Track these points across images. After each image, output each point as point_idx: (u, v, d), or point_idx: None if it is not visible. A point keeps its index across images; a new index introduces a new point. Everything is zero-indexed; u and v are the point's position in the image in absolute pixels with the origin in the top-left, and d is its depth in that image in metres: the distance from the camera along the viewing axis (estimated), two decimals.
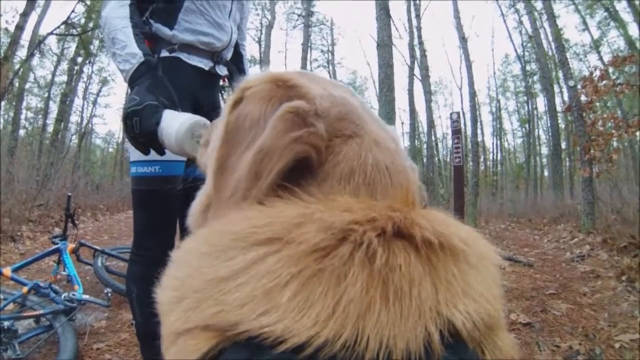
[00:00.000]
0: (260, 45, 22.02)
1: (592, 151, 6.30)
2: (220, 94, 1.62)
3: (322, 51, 24.45)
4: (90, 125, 22.07)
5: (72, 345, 1.98)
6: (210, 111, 1.44)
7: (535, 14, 13.01)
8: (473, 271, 0.33)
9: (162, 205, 1.38)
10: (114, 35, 1.20)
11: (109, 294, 2.58)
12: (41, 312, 2.15)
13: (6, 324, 1.92)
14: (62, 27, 9.27)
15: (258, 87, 0.40)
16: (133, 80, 1.14)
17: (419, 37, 14.37)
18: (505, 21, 20.21)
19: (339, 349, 0.27)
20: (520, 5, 15.95)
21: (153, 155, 1.11)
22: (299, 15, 19.00)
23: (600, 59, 14.95)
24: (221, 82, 1.62)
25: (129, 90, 1.19)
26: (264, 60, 20.04)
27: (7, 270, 2.52)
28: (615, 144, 6.85)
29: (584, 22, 16.18)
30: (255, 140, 0.36)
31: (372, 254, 0.30)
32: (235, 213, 0.34)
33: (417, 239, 0.31)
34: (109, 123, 35.41)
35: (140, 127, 0.94)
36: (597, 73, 6.72)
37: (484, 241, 0.37)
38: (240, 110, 0.40)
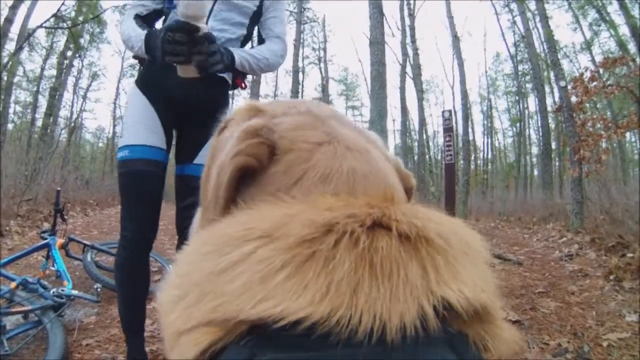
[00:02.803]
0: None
1: (581, 151, 6.38)
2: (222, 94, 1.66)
3: (313, 48, 24.40)
4: (80, 119, 21.79)
5: (61, 341, 1.95)
6: (201, 110, 1.51)
7: (529, 14, 13.12)
8: (458, 264, 0.33)
9: (133, 187, 1.47)
10: (127, 37, 1.43)
11: (99, 290, 2.55)
12: (30, 307, 2.12)
13: None
14: (52, 20, 9.11)
15: (237, 116, 0.47)
16: (148, 49, 1.38)
17: (412, 35, 14.42)
18: (499, 20, 20.34)
19: (335, 324, 0.28)
20: (514, 6, 16.07)
21: (126, 139, 1.43)
22: (290, 12, 18.90)
23: (592, 59, 15.14)
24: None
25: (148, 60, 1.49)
26: None
27: None
28: (604, 144, 6.94)
29: (577, 21, 16.37)
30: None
31: (356, 240, 0.31)
32: (229, 218, 0.37)
33: (393, 232, 0.32)
34: (99, 118, 35.24)
35: (175, 27, 1.20)
36: (588, 74, 6.80)
37: (472, 237, 0.38)
38: (222, 135, 0.47)
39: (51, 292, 2.30)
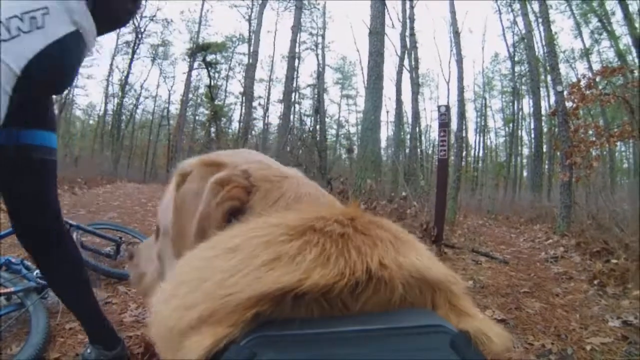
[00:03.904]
0: (250, 23, 21.55)
1: (573, 156, 6.46)
2: None
3: (311, 34, 24.04)
4: (70, 96, 21.34)
5: (43, 325, 1.92)
6: None
7: (530, 15, 13.11)
8: (407, 247, 0.38)
9: None
10: None
11: None
12: (12, 289, 2.07)
13: None
14: None
15: (195, 172, 0.53)
16: None
17: (412, 28, 14.32)
18: (500, 18, 20.25)
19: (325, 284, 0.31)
20: (517, 6, 16.04)
21: None
22: None
23: (590, 67, 15.26)
24: None
25: None
26: (254, 39, 19.63)
27: None
28: (594, 152, 7.04)
29: (578, 28, 16.43)
30: (197, 210, 0.48)
31: (330, 230, 0.36)
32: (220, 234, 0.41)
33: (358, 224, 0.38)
34: (90, 95, 34.35)
35: None
36: (585, 81, 6.84)
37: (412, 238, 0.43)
38: (184, 189, 0.52)
39: (34, 273, 2.25)
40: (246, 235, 0.36)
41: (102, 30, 1.26)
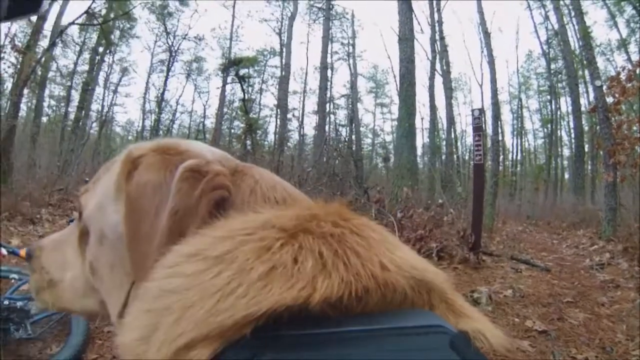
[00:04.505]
0: (280, 37, 21.98)
1: (617, 155, 6.09)
2: None
3: (342, 44, 24.17)
4: (110, 113, 22.51)
5: (83, 327, 2.03)
6: None
7: (563, 9, 12.59)
8: (394, 247, 0.36)
9: None
10: None
11: None
12: None
13: (19, 304, 1.97)
14: (84, 17, 9.42)
15: (151, 159, 0.45)
16: None
17: (441, 32, 14.12)
18: (532, 15, 19.56)
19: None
20: (547, 1, 15.46)
21: None
22: (319, 9, 18.84)
23: (628, 58, 14.40)
24: None
25: None
26: (285, 52, 20.01)
27: (23, 251, 2.56)
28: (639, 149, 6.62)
29: (612, 18, 15.58)
30: (163, 205, 0.41)
31: (324, 232, 0.34)
32: (192, 238, 0.36)
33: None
34: (129, 111, 36.11)
35: None
36: (625, 73, 6.46)
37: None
38: (138, 181, 0.44)
39: None
40: (236, 239, 0.33)
41: None
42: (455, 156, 16.46)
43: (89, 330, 2.08)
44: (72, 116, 16.18)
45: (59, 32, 10.21)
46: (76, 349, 1.89)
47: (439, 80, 14.75)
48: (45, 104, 16.71)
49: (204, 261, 0.31)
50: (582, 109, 13.91)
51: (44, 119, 16.17)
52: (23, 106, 11.81)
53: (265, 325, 0.29)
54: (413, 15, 8.13)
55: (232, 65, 19.63)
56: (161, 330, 0.30)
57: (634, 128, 6.44)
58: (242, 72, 20.09)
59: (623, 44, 15.57)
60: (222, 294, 0.29)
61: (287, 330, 0.29)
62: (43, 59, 9.36)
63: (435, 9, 14.38)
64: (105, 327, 2.27)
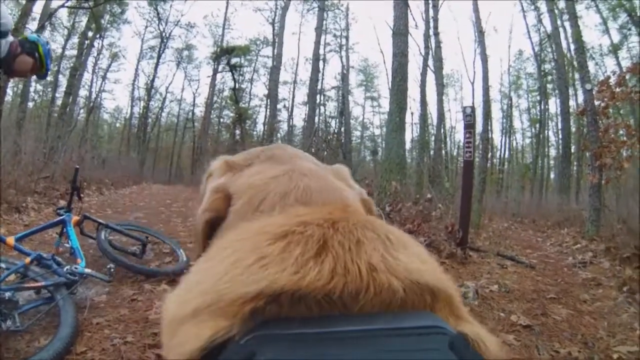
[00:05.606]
0: (273, 26, 21.73)
1: (603, 157, 6.21)
2: None
3: (335, 36, 23.99)
4: (98, 99, 22.10)
5: (72, 319, 1.99)
6: None
7: (557, 12, 12.70)
8: (398, 251, 0.37)
9: None
10: None
11: (112, 270, 2.59)
12: (42, 283, 2.16)
13: (7, 294, 1.90)
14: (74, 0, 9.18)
15: (215, 172, 0.57)
16: None
17: (435, 27, 14.12)
18: (525, 17, 19.68)
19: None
20: (542, 3, 15.56)
21: None
22: None
23: (618, 63, 14.62)
24: None
25: None
26: (277, 42, 19.79)
27: (10, 239, 2.52)
28: (625, 152, 6.75)
29: (605, 23, 15.79)
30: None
31: (310, 233, 0.37)
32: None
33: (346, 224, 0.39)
34: (117, 98, 35.49)
35: None
36: (615, 78, 6.57)
37: (411, 240, 0.42)
38: (206, 184, 0.58)
39: (64, 269, 2.33)
40: (233, 246, 0.38)
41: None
42: (443, 152, 16.55)
43: (78, 321, 2.05)
44: (59, 102, 15.83)
45: (48, 14, 9.93)
46: (65, 341, 1.83)
47: (431, 76, 14.78)
48: (32, 89, 16.29)
49: (212, 260, 0.38)
50: (571, 110, 14.10)
51: (30, 104, 15.82)
52: (9, 91, 11.52)
53: (264, 324, 0.30)
54: (408, 10, 8.10)
55: (224, 54, 19.36)
56: (179, 295, 0.38)
57: (621, 132, 6.57)
58: (234, 61, 19.83)
59: (614, 50, 15.79)
60: (223, 274, 0.34)
61: (286, 329, 0.30)
62: None
63: (431, 5, 14.35)
64: (93, 318, 2.25)
